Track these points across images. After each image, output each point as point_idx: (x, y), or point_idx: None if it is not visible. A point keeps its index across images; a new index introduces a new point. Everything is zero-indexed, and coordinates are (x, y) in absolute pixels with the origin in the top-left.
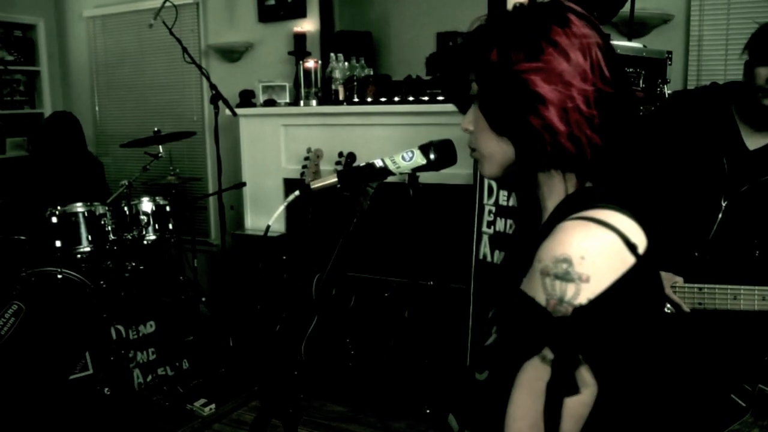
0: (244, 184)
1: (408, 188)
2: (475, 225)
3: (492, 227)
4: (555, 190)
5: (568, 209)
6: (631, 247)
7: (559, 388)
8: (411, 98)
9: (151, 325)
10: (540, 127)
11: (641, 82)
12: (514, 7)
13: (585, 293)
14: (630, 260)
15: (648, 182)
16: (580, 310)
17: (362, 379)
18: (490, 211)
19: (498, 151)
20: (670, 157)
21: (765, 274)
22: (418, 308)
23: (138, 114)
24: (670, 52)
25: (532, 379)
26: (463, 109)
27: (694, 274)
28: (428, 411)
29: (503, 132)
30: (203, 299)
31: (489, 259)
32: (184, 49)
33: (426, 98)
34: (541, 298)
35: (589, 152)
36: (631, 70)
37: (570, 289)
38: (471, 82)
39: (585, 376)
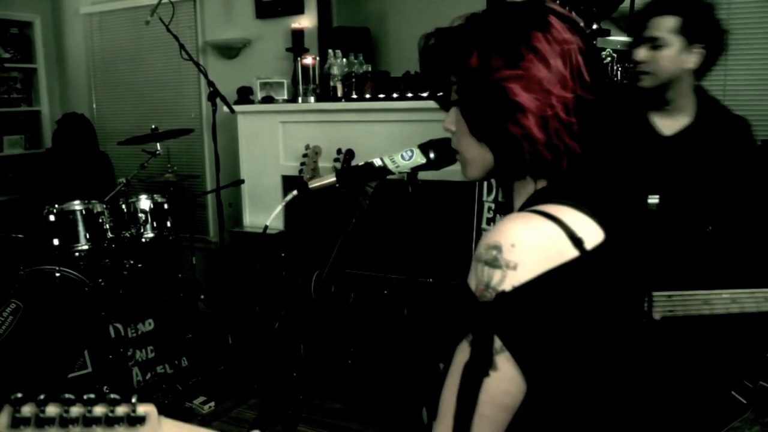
0: (243, 181)
1: (407, 185)
2: (475, 222)
3: (491, 224)
4: (525, 190)
5: (529, 205)
6: (576, 240)
7: (475, 368)
8: (410, 94)
9: (149, 323)
10: (519, 135)
11: None
12: (493, 6)
13: (510, 280)
14: (570, 253)
15: (613, 182)
16: (502, 295)
17: (361, 376)
18: (489, 208)
19: (479, 156)
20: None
21: (718, 250)
22: (418, 306)
23: (135, 111)
24: None
25: (460, 362)
26: (445, 107)
27: (658, 282)
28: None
29: (482, 139)
30: (202, 297)
31: None
32: (182, 46)
33: (425, 94)
34: (472, 285)
35: (566, 160)
36: (630, 65)
37: (496, 275)
38: (452, 84)
39: (501, 362)
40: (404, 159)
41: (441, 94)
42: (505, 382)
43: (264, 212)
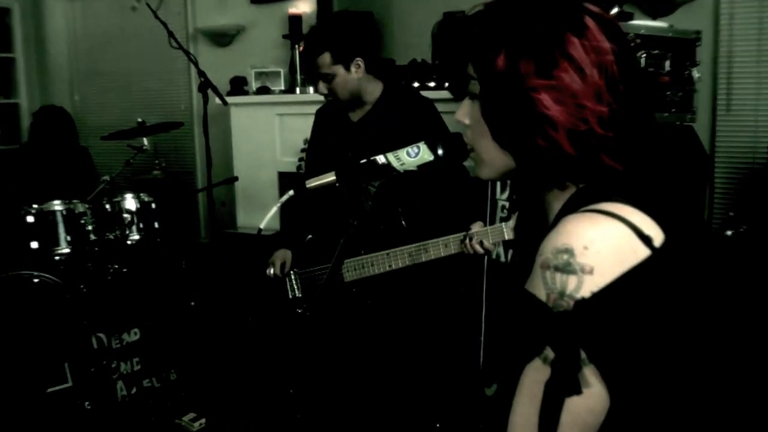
0: (236, 178)
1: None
2: (487, 222)
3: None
4: (564, 191)
5: (577, 204)
6: (645, 238)
7: (558, 387)
8: (416, 84)
9: (135, 333)
10: (547, 149)
11: (667, 65)
12: None
13: (588, 285)
14: (643, 252)
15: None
16: (582, 303)
17: (367, 392)
18: (503, 207)
19: (498, 159)
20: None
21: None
22: (426, 313)
23: (120, 104)
24: (698, 32)
25: (533, 383)
26: (457, 97)
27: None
28: (438, 426)
29: (506, 147)
30: (192, 304)
31: (502, 258)
32: (170, 34)
33: (432, 84)
34: (541, 294)
35: (601, 173)
36: (656, 52)
37: (571, 282)
38: (469, 76)
39: (589, 377)
40: (410, 156)
41: (452, 81)
42: (590, 400)
43: (259, 212)
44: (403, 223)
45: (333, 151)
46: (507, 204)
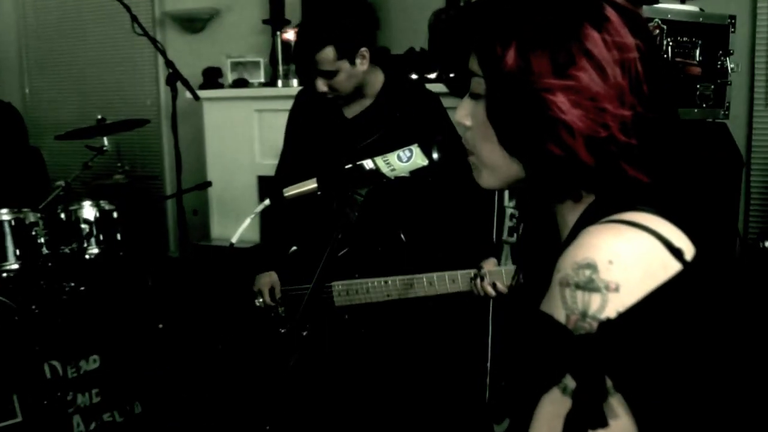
0: (210, 183)
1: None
2: (494, 233)
3: (515, 235)
4: (579, 202)
5: (596, 215)
6: (675, 251)
7: (581, 420)
8: (415, 75)
9: (94, 360)
10: (562, 158)
11: (698, 54)
12: None
13: (613, 305)
14: (674, 266)
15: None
16: (607, 325)
17: (361, 420)
18: (512, 215)
19: (504, 166)
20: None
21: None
22: (426, 341)
23: (78, 98)
24: (733, 17)
25: (551, 416)
26: (457, 93)
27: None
28: None
29: (515, 154)
30: (160, 326)
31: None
32: (134, 18)
33: (433, 76)
34: (560, 315)
35: (623, 184)
36: (684, 39)
37: (595, 301)
38: (472, 72)
39: (616, 408)
40: (401, 160)
41: (452, 76)
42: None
43: (236, 222)
44: (402, 237)
45: (318, 153)
46: (515, 212)
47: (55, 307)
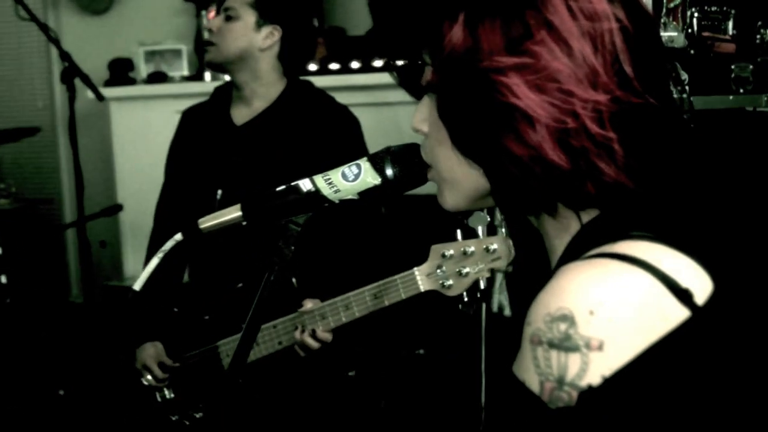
0: (121, 207)
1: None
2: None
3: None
4: (564, 225)
5: (583, 245)
6: (681, 293)
7: None
8: (378, 63)
9: None
10: (524, 156)
11: (730, 26)
12: None
13: (597, 368)
14: (679, 314)
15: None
16: (589, 394)
17: None
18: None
19: (464, 177)
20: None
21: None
22: (402, 393)
23: None
24: None
25: None
26: (414, 94)
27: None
28: None
29: (470, 155)
30: (61, 392)
31: (507, 311)
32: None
33: (379, 63)
34: (533, 381)
35: (605, 190)
36: (713, 9)
37: (573, 363)
38: (426, 64)
39: None
40: (347, 179)
41: (402, 64)
42: None
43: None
44: (294, 281)
45: (205, 167)
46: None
47: None
